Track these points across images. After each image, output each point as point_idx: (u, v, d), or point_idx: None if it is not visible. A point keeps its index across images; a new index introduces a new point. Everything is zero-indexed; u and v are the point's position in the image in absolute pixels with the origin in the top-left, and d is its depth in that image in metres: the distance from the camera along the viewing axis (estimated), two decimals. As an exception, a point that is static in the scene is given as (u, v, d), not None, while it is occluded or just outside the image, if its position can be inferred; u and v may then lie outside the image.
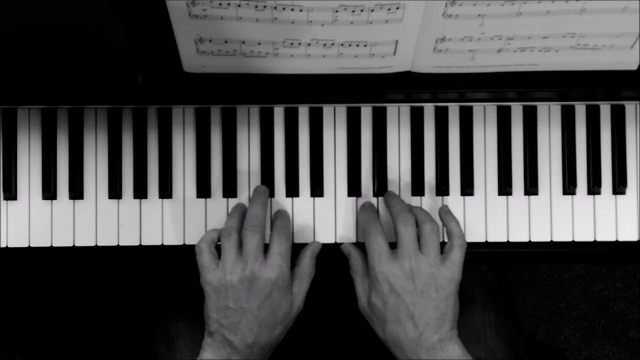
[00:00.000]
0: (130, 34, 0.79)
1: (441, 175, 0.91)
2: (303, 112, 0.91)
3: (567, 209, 0.91)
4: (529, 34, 0.78)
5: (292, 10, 0.74)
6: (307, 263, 0.86)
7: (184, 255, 0.88)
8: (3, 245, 0.90)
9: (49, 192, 0.89)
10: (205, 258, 0.82)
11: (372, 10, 0.74)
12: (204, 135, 0.91)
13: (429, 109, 0.92)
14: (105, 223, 0.90)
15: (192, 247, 0.84)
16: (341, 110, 0.91)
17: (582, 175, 0.92)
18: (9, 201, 0.90)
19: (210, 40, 0.78)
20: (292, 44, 0.79)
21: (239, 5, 0.73)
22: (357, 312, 0.86)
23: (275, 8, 0.73)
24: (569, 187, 0.91)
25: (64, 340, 1.34)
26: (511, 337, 0.95)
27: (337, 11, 0.74)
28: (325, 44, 0.79)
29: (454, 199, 0.91)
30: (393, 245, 0.83)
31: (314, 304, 0.89)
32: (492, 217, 0.91)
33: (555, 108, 0.92)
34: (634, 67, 0.84)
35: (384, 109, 0.91)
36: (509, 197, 0.91)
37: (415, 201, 0.91)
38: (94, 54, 0.80)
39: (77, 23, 0.77)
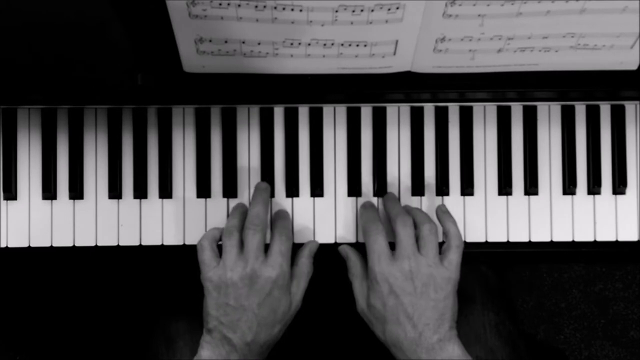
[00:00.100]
0: (130, 34, 0.79)
1: (441, 175, 0.91)
2: (303, 112, 0.91)
3: (567, 209, 0.91)
4: (529, 34, 0.78)
5: (292, 10, 0.74)
6: (305, 262, 0.86)
7: (184, 255, 0.88)
8: (3, 245, 0.90)
9: (49, 192, 0.89)
10: (206, 255, 0.82)
11: (372, 10, 0.74)
12: (204, 135, 0.91)
13: (429, 109, 0.92)
14: (105, 223, 0.90)
15: (192, 247, 0.84)
16: (341, 110, 0.91)
17: (582, 175, 0.92)
18: (9, 201, 0.90)
19: (210, 40, 0.78)
20: (292, 44, 0.79)
21: (239, 5, 0.73)
22: (355, 313, 0.86)
23: (275, 8, 0.73)
24: (569, 187, 0.91)
25: (64, 340, 1.34)
26: (511, 337, 0.95)
27: (337, 11, 0.74)
28: (325, 44, 0.79)
29: (454, 199, 0.91)
30: (392, 246, 0.83)
31: (314, 304, 0.89)
32: (492, 217, 0.91)
33: (555, 108, 0.92)
34: (634, 67, 0.84)
35: (384, 109, 0.91)
36: (509, 197, 0.91)
37: (415, 201, 0.91)
38: (94, 54, 0.80)
39: (77, 23, 0.77)
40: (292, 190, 0.91)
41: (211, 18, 0.75)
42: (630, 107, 0.92)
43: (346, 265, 0.87)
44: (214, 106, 0.91)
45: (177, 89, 0.87)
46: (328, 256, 0.90)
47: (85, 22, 0.77)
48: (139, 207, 0.90)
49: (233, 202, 0.90)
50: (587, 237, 0.91)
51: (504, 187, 0.91)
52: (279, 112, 0.91)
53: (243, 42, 0.79)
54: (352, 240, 0.91)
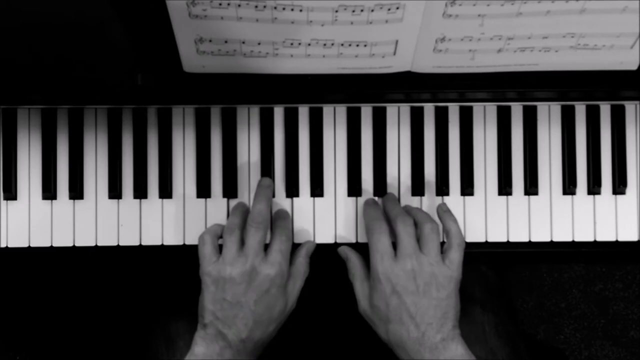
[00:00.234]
0: (130, 34, 0.79)
1: (441, 175, 0.91)
2: (303, 112, 0.91)
3: (567, 209, 0.91)
4: (529, 34, 0.78)
5: (292, 10, 0.74)
6: (301, 262, 0.86)
7: (184, 255, 0.89)
8: (3, 245, 0.90)
9: (49, 192, 0.89)
10: (207, 249, 0.82)
11: (372, 10, 0.74)
12: (204, 135, 0.91)
13: (429, 109, 0.92)
14: (105, 223, 0.90)
15: (192, 247, 0.84)
16: (341, 110, 0.91)
17: (582, 175, 0.92)
18: (9, 201, 0.90)
19: (210, 40, 0.78)
20: (292, 44, 0.79)
21: (239, 5, 0.73)
22: (355, 313, 0.86)
23: (275, 8, 0.73)
24: (569, 187, 0.91)
25: (64, 340, 1.34)
26: (511, 337, 0.95)
27: (337, 11, 0.74)
28: (325, 44, 0.79)
29: (454, 199, 0.91)
30: (394, 247, 0.83)
31: (313, 304, 0.89)
32: (492, 217, 0.91)
33: (555, 108, 0.92)
34: (634, 67, 0.84)
35: (384, 109, 0.91)
36: (509, 197, 0.91)
37: (415, 201, 0.91)
38: (94, 54, 0.80)
39: (77, 23, 0.76)
40: (292, 190, 0.91)
41: (211, 18, 0.75)
42: (630, 107, 0.92)
43: (346, 266, 0.87)
44: (214, 106, 0.91)
45: (177, 89, 0.87)
46: (328, 256, 0.90)
47: (85, 22, 0.77)
48: (139, 207, 0.90)
49: (233, 202, 0.90)
50: (587, 237, 0.91)
51: (504, 187, 0.91)
52: (279, 112, 0.91)
53: (243, 42, 0.79)
54: (352, 240, 0.91)
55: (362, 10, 0.74)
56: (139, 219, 0.90)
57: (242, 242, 0.82)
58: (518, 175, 0.91)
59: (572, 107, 0.92)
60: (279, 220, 0.87)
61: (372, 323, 0.83)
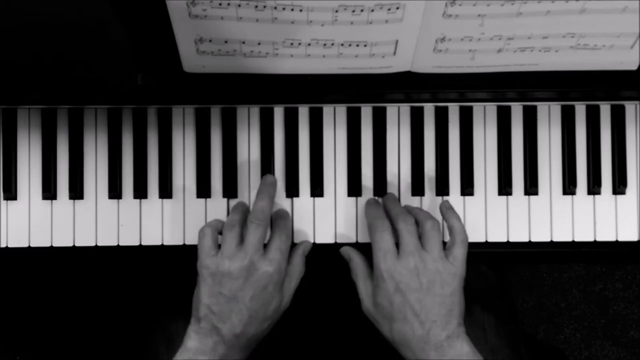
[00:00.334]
0: (130, 34, 0.79)
1: (441, 175, 0.91)
2: (303, 112, 0.91)
3: (567, 209, 0.91)
4: (529, 34, 0.78)
5: (292, 10, 0.74)
6: (298, 262, 0.86)
7: (184, 255, 0.88)
8: (3, 245, 0.90)
9: (49, 192, 0.89)
10: (207, 242, 0.82)
11: (372, 10, 0.74)
12: (204, 135, 0.91)
13: (429, 109, 0.92)
14: (105, 223, 0.90)
15: (192, 247, 0.84)
16: (341, 110, 0.91)
17: (582, 175, 0.92)
18: (9, 201, 0.90)
19: (210, 40, 0.78)
20: (292, 44, 0.79)
21: (239, 5, 0.73)
22: (357, 312, 0.86)
23: (275, 8, 0.73)
24: (569, 187, 0.91)
25: (64, 340, 1.34)
26: (511, 337, 0.95)
27: (337, 11, 0.74)
28: (325, 44, 0.79)
29: (454, 199, 0.91)
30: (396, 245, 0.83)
31: (314, 304, 0.89)
32: (492, 217, 0.91)
33: (555, 108, 0.92)
34: (634, 67, 0.84)
35: (384, 109, 0.91)
36: (509, 197, 0.91)
37: (415, 201, 0.91)
38: (94, 54, 0.80)
39: (77, 23, 0.76)
40: (292, 190, 0.91)
41: (211, 18, 0.75)
42: (630, 107, 0.92)
43: (345, 266, 0.87)
44: (214, 106, 0.91)
45: (177, 89, 0.87)
46: (328, 256, 0.90)
47: (85, 22, 0.77)
48: (139, 207, 0.90)
49: (233, 202, 0.90)
50: (587, 237, 0.91)
51: (504, 187, 0.91)
52: (279, 112, 0.91)
53: (243, 42, 0.79)
54: (352, 240, 0.91)
55: (362, 10, 0.74)
56: (139, 219, 0.90)
57: (241, 239, 0.82)
58: (518, 175, 0.91)
59: (572, 107, 0.92)
60: (279, 220, 0.87)
61: (376, 322, 0.83)
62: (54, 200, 0.90)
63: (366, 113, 0.91)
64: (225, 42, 0.78)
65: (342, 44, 0.79)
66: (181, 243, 0.90)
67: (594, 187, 0.91)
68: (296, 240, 0.90)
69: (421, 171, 0.91)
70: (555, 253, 0.92)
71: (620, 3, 0.75)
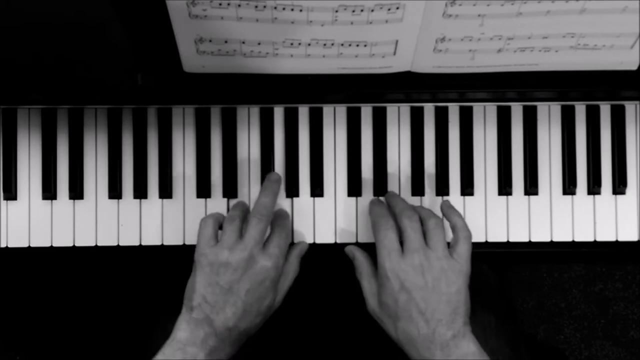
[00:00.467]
0: (130, 34, 0.79)
1: (441, 175, 0.91)
2: (303, 112, 0.91)
3: (567, 209, 0.91)
4: (529, 34, 0.78)
5: (292, 10, 0.74)
6: (293, 261, 0.86)
7: (184, 255, 0.88)
8: (3, 245, 0.90)
9: (49, 192, 0.89)
10: (208, 231, 0.81)
11: (372, 10, 0.74)
12: (204, 135, 0.91)
13: (429, 109, 0.92)
14: (105, 223, 0.90)
15: (192, 247, 0.84)
16: (341, 110, 0.91)
17: (582, 175, 0.92)
18: (9, 201, 0.90)
19: (210, 40, 0.78)
20: (292, 44, 0.79)
21: (239, 5, 0.73)
22: (358, 312, 0.86)
23: (275, 8, 0.73)
24: (569, 187, 0.91)
25: (64, 340, 1.34)
26: (511, 337, 0.94)
27: (337, 11, 0.74)
28: (325, 44, 0.79)
29: (454, 199, 0.91)
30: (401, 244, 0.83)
31: (315, 303, 0.89)
32: (492, 217, 0.91)
33: (555, 108, 0.92)
34: (634, 67, 0.84)
35: (384, 109, 0.91)
36: (509, 197, 0.91)
37: (415, 201, 0.91)
38: (94, 54, 0.80)
39: (77, 23, 0.76)
40: (292, 190, 0.91)
41: (211, 18, 0.75)
42: (630, 107, 0.92)
43: (347, 265, 0.87)
44: (214, 106, 0.91)
45: (177, 89, 0.87)
46: (328, 256, 0.90)
47: (85, 22, 0.77)
48: (139, 207, 0.90)
49: (233, 202, 0.90)
50: (587, 237, 0.91)
51: (504, 187, 0.91)
52: (279, 112, 0.91)
53: (243, 42, 0.79)
54: (353, 240, 0.91)
55: (362, 10, 0.74)
56: (139, 219, 0.90)
57: (241, 234, 0.81)
58: (518, 175, 0.91)
59: (572, 107, 0.92)
60: (279, 219, 0.87)
61: (381, 321, 0.83)
62: (54, 200, 0.90)
63: (366, 113, 0.91)
64: (225, 42, 0.78)
65: (342, 44, 0.79)
66: (181, 243, 0.90)
67: (594, 187, 0.91)
68: (296, 240, 0.90)
69: (421, 171, 0.91)
70: (555, 253, 0.92)
71: (620, 3, 0.75)
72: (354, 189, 0.91)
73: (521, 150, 0.92)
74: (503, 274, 1.05)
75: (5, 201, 0.90)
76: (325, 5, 0.73)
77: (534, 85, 0.87)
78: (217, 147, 0.91)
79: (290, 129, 0.91)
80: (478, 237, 0.91)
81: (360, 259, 0.85)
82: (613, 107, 0.92)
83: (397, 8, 0.74)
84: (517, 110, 0.92)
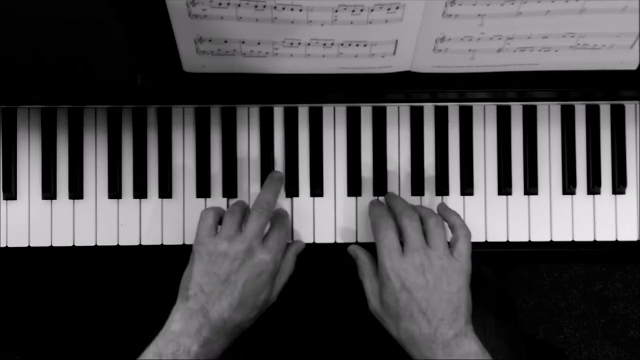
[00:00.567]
0: (130, 34, 0.79)
1: (441, 175, 0.91)
2: (303, 112, 0.91)
3: (567, 209, 0.91)
4: (529, 34, 0.78)
5: (292, 10, 0.74)
6: (289, 259, 0.86)
7: (184, 255, 0.88)
8: (3, 245, 0.90)
9: (49, 192, 0.89)
10: (208, 223, 0.81)
11: (372, 10, 0.74)
12: (204, 135, 0.91)
13: (429, 109, 0.92)
14: (105, 223, 0.90)
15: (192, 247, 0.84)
16: (341, 110, 0.91)
17: (582, 175, 0.92)
18: (9, 201, 0.90)
19: (210, 40, 0.78)
20: (292, 44, 0.79)
21: (239, 5, 0.73)
22: (358, 312, 0.86)
23: (275, 8, 0.73)
24: (569, 187, 0.91)
25: (64, 340, 1.34)
26: (511, 338, 0.94)
27: (337, 11, 0.74)
28: (325, 44, 0.79)
29: (454, 199, 0.91)
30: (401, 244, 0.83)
31: (314, 303, 0.89)
32: (492, 217, 0.91)
33: (555, 108, 0.92)
34: (634, 67, 0.84)
35: (384, 109, 0.91)
36: (509, 197, 0.91)
37: (415, 201, 0.91)
38: (94, 54, 0.80)
39: (77, 23, 0.76)
40: (292, 190, 0.91)
41: (211, 18, 0.75)
42: (630, 107, 0.92)
43: (347, 265, 0.87)
44: (214, 106, 0.91)
45: (177, 89, 0.87)
46: (328, 256, 0.90)
47: (85, 22, 0.77)
48: (139, 207, 0.90)
49: (233, 202, 0.90)
50: (587, 237, 0.91)
51: (504, 187, 0.91)
52: (279, 112, 0.91)
53: (243, 42, 0.79)
54: (353, 240, 0.91)
55: (362, 10, 0.74)
56: (139, 219, 0.90)
57: (241, 229, 0.81)
58: (518, 175, 0.91)
59: (572, 107, 0.92)
60: (279, 218, 0.87)
61: (383, 321, 0.82)
62: (54, 200, 0.90)
63: (366, 113, 0.91)
64: (225, 42, 0.78)
65: (342, 44, 0.79)
66: (181, 243, 0.90)
67: (594, 187, 0.91)
68: (296, 240, 0.90)
69: (421, 171, 0.91)
70: (555, 253, 0.92)
71: (620, 3, 0.75)
72: (354, 189, 0.91)
73: (521, 150, 0.92)
74: (503, 274, 1.05)
75: (5, 201, 0.90)
76: (325, 5, 0.73)
77: (534, 85, 0.87)
78: (217, 147, 0.91)
79: (290, 129, 0.91)
80: (478, 237, 0.91)
81: (363, 259, 0.85)
82: (613, 107, 0.92)
83: (397, 8, 0.74)
84: (517, 110, 0.92)
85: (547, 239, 0.91)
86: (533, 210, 0.91)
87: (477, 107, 0.92)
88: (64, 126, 0.90)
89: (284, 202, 0.91)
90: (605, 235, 0.91)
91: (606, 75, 0.85)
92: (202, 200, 0.90)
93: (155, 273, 1.03)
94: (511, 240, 0.91)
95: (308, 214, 0.91)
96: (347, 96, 0.91)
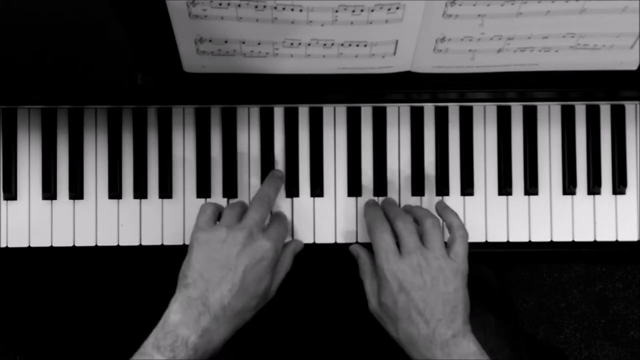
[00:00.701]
0: (130, 34, 0.79)
1: (441, 175, 0.91)
2: (303, 112, 0.91)
3: (567, 209, 0.91)
4: (529, 34, 0.78)
5: (292, 10, 0.74)
6: (288, 256, 0.85)
7: (184, 255, 0.88)
8: (3, 245, 0.90)
9: (49, 192, 0.89)
10: (207, 215, 0.81)
11: (372, 10, 0.74)
12: (204, 135, 0.91)
13: (429, 109, 0.92)
14: (105, 223, 0.90)
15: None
16: (341, 110, 0.91)
17: (582, 175, 0.92)
18: (9, 201, 0.90)
19: (210, 40, 0.78)
20: (292, 44, 0.79)
21: (239, 5, 0.73)
22: (358, 312, 0.86)
23: (275, 8, 0.73)
24: (569, 187, 0.91)
25: (64, 340, 1.34)
26: (511, 337, 0.94)
27: (337, 11, 0.74)
28: (325, 44, 0.79)
29: (454, 199, 0.91)
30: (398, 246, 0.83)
31: (314, 303, 0.89)
32: (492, 217, 0.91)
33: (555, 108, 0.92)
34: (634, 67, 0.84)
35: (384, 109, 0.91)
36: (509, 197, 0.91)
37: (415, 201, 0.91)
38: (94, 54, 0.80)
39: (77, 23, 0.76)
40: (292, 190, 0.91)
41: (211, 18, 0.75)
42: (630, 107, 0.92)
43: (346, 265, 0.87)
44: (214, 106, 0.91)
45: (177, 89, 0.87)
46: (328, 256, 0.90)
47: (85, 22, 0.77)
48: (139, 207, 0.90)
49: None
50: (587, 237, 0.91)
51: (504, 187, 0.91)
52: (279, 112, 0.91)
53: (243, 42, 0.79)
54: (353, 240, 0.91)
55: (362, 10, 0.74)
56: (139, 219, 0.90)
57: (240, 220, 0.81)
58: (518, 175, 0.91)
59: (572, 107, 0.92)
60: (277, 216, 0.87)
61: (382, 322, 0.83)
62: (54, 200, 0.90)
63: (366, 113, 0.91)
64: (225, 42, 0.78)
65: (342, 44, 0.79)
66: (181, 243, 0.90)
67: (594, 187, 0.91)
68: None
69: (421, 171, 0.91)
70: (555, 253, 0.92)
71: (620, 3, 0.75)
72: (354, 189, 0.91)
73: (521, 150, 0.92)
74: (503, 274, 1.05)
75: (5, 201, 0.90)
76: (325, 5, 0.73)
77: (534, 85, 0.87)
78: (217, 146, 0.91)
79: (290, 129, 0.91)
80: (478, 237, 0.91)
81: (364, 258, 0.85)
82: (613, 107, 0.92)
83: (397, 8, 0.74)
84: (517, 110, 0.92)
85: (547, 239, 0.91)
86: (533, 210, 0.91)
87: (477, 107, 0.92)
88: (64, 126, 0.90)
89: (284, 202, 0.91)
90: (605, 235, 0.91)
91: (606, 75, 0.85)
92: (202, 200, 0.90)
93: (155, 273, 1.03)
94: (511, 240, 0.91)
95: (308, 214, 0.91)
96: (347, 96, 0.91)
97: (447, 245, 0.82)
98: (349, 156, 0.91)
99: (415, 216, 0.83)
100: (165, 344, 0.75)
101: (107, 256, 0.90)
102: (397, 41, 0.79)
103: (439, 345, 0.77)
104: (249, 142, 0.91)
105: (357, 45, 0.79)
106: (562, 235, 0.91)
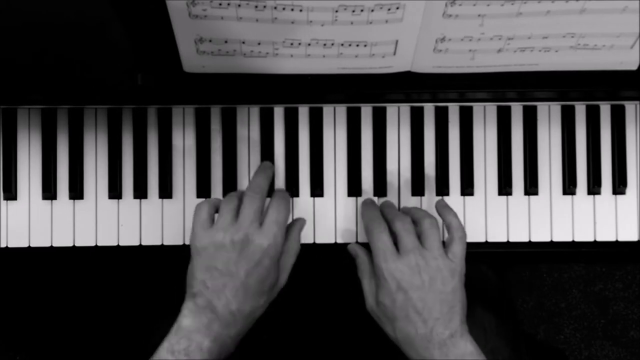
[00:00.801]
0: (130, 34, 0.79)
1: (441, 175, 0.91)
2: (303, 112, 0.91)
3: (567, 209, 0.91)
4: (529, 34, 0.78)
5: (292, 10, 0.74)
6: (295, 237, 0.85)
7: (184, 255, 0.88)
8: (3, 245, 0.90)
9: (49, 192, 0.89)
10: (203, 215, 0.81)
11: (372, 10, 0.74)
12: (204, 135, 0.91)
13: (429, 109, 0.92)
14: (105, 223, 0.90)
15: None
16: (341, 110, 0.91)
17: (582, 175, 0.92)
18: (9, 201, 0.90)
19: (210, 40, 0.78)
20: (292, 44, 0.79)
21: (239, 5, 0.73)
22: (357, 312, 0.86)
23: (275, 8, 0.73)
24: (569, 187, 0.91)
25: (64, 340, 1.34)
26: (511, 338, 0.95)
27: (337, 11, 0.74)
28: (325, 44, 0.79)
29: (454, 199, 0.91)
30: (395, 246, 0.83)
31: (314, 303, 0.89)
32: (492, 217, 0.91)
33: (555, 108, 0.92)
34: (634, 67, 0.84)
35: (384, 109, 0.91)
36: (509, 197, 0.91)
37: (415, 201, 0.91)
38: (94, 54, 0.80)
39: (77, 23, 0.77)
40: (292, 190, 0.91)
41: (211, 18, 0.75)
42: (630, 107, 0.92)
43: (347, 265, 0.87)
44: (214, 106, 0.91)
45: (177, 89, 0.87)
46: (328, 256, 0.90)
47: (85, 22, 0.77)
48: (139, 207, 0.90)
49: (233, 202, 0.90)
50: (587, 237, 0.91)
51: (504, 187, 0.91)
52: (279, 112, 0.91)
53: (243, 42, 0.79)
54: (352, 240, 0.91)
55: (362, 10, 0.74)
56: (139, 218, 0.90)
57: (237, 213, 0.80)
58: (518, 175, 0.91)
59: (572, 107, 0.92)
60: (277, 193, 0.85)
61: (380, 321, 0.83)
62: (54, 200, 0.90)
63: (366, 113, 0.91)
64: (225, 42, 0.78)
65: (342, 44, 0.79)
66: (181, 243, 0.90)
67: (594, 187, 0.91)
68: (296, 240, 0.90)
69: (421, 171, 0.91)
70: (555, 253, 0.92)
71: (620, 3, 0.75)
72: (354, 189, 0.91)
73: (521, 150, 0.92)
74: (503, 274, 1.05)
75: (5, 201, 0.90)
76: (325, 5, 0.73)
77: (534, 85, 0.87)
78: (217, 146, 0.91)
79: (290, 129, 0.91)
80: (478, 237, 0.91)
81: (362, 257, 0.85)
82: (613, 107, 0.92)
83: (397, 8, 0.74)
84: (517, 110, 0.92)
85: (547, 239, 0.91)
86: (533, 210, 0.91)
87: (477, 107, 0.92)
88: (64, 126, 0.90)
89: (284, 202, 0.90)
90: (605, 235, 0.91)
91: (606, 75, 0.85)
92: (202, 200, 0.90)
93: (155, 273, 1.03)
94: (511, 240, 0.91)
95: (308, 214, 0.91)
96: (347, 96, 0.91)
97: (445, 245, 0.82)
98: (349, 156, 0.91)
99: (414, 217, 0.84)
100: (180, 347, 0.76)
101: (107, 256, 0.90)
102: (397, 41, 0.79)
103: (437, 345, 0.77)
104: (248, 141, 0.91)
105: (357, 45, 0.79)
106: (562, 235, 0.91)
